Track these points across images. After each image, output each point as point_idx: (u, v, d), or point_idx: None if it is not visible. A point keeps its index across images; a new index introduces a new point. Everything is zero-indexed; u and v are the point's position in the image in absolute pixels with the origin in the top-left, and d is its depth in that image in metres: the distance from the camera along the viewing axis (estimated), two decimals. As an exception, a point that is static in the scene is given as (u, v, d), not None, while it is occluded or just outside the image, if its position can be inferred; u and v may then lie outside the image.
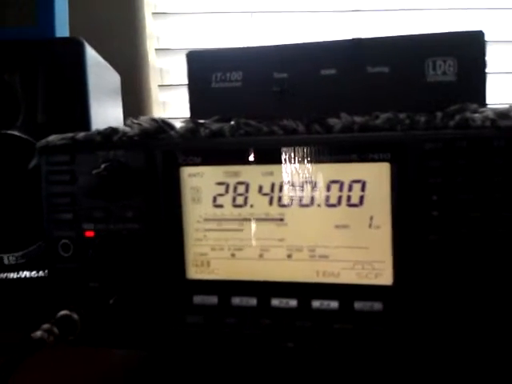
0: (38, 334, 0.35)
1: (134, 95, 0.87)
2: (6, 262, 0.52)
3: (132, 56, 0.88)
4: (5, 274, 0.52)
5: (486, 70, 0.37)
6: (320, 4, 0.92)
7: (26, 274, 0.52)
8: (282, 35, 0.92)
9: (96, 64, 0.58)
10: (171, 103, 0.95)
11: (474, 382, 0.36)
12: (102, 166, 0.36)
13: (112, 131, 0.38)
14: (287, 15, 0.93)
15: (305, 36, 0.92)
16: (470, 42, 0.37)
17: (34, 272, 0.52)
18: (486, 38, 0.37)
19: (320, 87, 0.38)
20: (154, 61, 0.92)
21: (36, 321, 0.36)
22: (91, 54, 0.56)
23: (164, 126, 0.38)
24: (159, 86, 0.94)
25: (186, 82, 0.41)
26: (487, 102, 0.37)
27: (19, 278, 0.52)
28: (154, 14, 0.93)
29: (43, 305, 0.47)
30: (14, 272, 0.52)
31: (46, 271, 0.50)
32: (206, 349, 0.37)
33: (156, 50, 0.93)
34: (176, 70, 0.94)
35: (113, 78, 0.72)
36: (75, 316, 0.37)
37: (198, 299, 0.37)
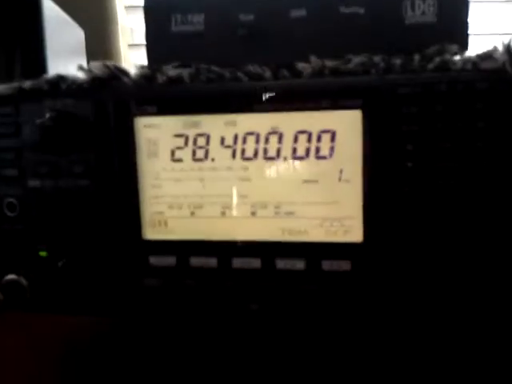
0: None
1: (102, 55, 0.82)
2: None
3: (99, 12, 0.83)
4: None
5: (468, 10, 0.34)
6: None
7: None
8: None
9: (55, 17, 0.54)
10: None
11: (442, 342, 0.35)
12: (47, 115, 0.32)
13: (60, 79, 0.35)
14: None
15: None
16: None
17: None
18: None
19: (289, 29, 0.35)
20: (122, 18, 0.87)
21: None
22: (49, 5, 0.52)
23: (117, 72, 0.34)
24: (129, 45, 0.89)
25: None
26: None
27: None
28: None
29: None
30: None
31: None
32: (164, 312, 0.34)
33: (125, 7, 0.88)
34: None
35: (76, 34, 0.67)
36: (23, 281, 0.35)
37: (154, 260, 0.34)
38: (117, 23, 0.84)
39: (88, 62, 0.70)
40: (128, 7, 0.89)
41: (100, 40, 0.81)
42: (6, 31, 0.48)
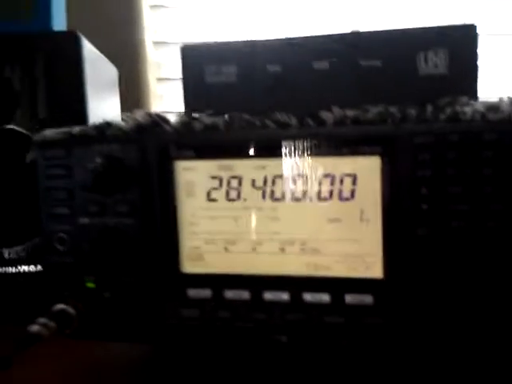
0: (35, 327, 0.35)
1: (132, 88, 0.87)
2: (6, 256, 0.52)
3: (130, 49, 0.88)
4: (4, 269, 0.52)
5: (478, 63, 0.37)
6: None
7: (24, 268, 0.53)
8: (277, 27, 0.92)
9: (93, 57, 0.58)
10: (169, 96, 0.96)
11: (463, 375, 0.37)
12: (98, 161, 0.36)
13: (107, 125, 0.38)
14: (281, 7, 0.93)
15: (299, 27, 0.92)
16: (462, 35, 0.37)
17: (32, 266, 0.53)
18: (479, 31, 0.37)
19: (313, 80, 0.39)
20: (151, 54, 0.92)
21: (33, 315, 0.36)
22: (88, 47, 0.56)
23: (158, 120, 0.38)
24: (157, 79, 0.94)
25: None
26: (479, 94, 0.37)
27: (18, 273, 0.53)
28: (151, 6, 0.93)
29: (40, 299, 0.48)
30: (13, 266, 0.53)
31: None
32: (200, 341, 0.37)
33: (154, 42, 0.93)
34: (173, 63, 0.94)
35: (110, 72, 0.72)
36: (71, 310, 0.38)
37: (192, 292, 0.37)
38: (146, 59, 0.89)
39: (120, 96, 0.75)
40: (156, 43, 0.94)
41: (131, 75, 0.86)
42: (49, 68, 0.53)
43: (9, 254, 0.53)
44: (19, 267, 0.53)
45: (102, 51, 0.63)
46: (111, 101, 0.72)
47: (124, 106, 0.78)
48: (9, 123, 0.52)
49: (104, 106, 0.65)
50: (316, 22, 0.92)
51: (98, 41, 0.60)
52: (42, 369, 0.41)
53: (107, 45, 0.67)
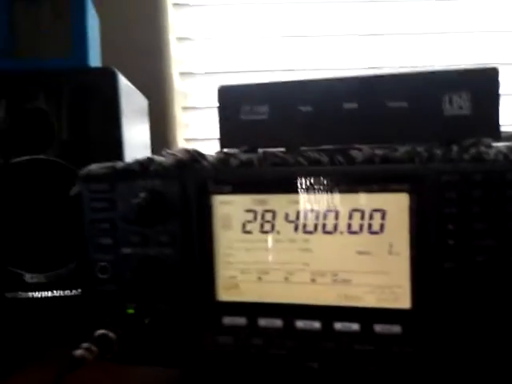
0: (79, 352, 0.37)
1: (160, 117, 0.90)
2: (43, 280, 0.55)
3: (157, 80, 0.92)
4: (40, 293, 0.55)
5: (500, 104, 0.39)
6: (342, 28, 0.96)
7: (56, 293, 0.55)
8: (304, 59, 0.96)
9: (127, 90, 0.62)
10: (194, 124, 0.99)
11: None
12: (141, 195, 0.39)
13: (149, 161, 0.41)
14: (309, 40, 0.96)
15: (325, 59, 0.95)
16: (485, 78, 0.40)
17: (66, 291, 0.55)
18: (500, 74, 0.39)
19: (342, 120, 0.41)
20: (178, 84, 0.96)
21: (75, 339, 0.38)
22: (123, 81, 0.59)
23: (197, 156, 0.41)
24: (183, 108, 0.98)
25: (216, 114, 0.44)
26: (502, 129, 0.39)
27: (48, 297, 0.55)
28: (178, 39, 0.97)
29: (77, 323, 0.50)
30: (45, 291, 0.55)
31: (78, 290, 0.54)
32: (234, 368, 0.39)
33: (180, 73, 0.97)
34: (198, 92, 0.98)
35: (141, 103, 0.76)
36: (112, 335, 0.40)
37: (227, 320, 0.39)
38: (173, 89, 0.92)
39: (150, 125, 0.78)
40: (182, 73, 0.97)
41: (158, 105, 0.89)
42: (89, 102, 0.56)
43: (38, 279, 0.55)
44: (49, 292, 0.55)
45: (132, 82, 0.66)
46: (142, 129, 0.75)
47: (153, 134, 0.81)
48: (46, 154, 0.55)
49: (136, 133, 0.68)
50: (343, 61, 0.95)
51: (128, 72, 0.64)
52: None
53: (137, 76, 0.70)
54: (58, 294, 0.55)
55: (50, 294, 0.55)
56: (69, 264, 0.55)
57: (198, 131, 0.97)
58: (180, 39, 0.98)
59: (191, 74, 0.99)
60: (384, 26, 0.96)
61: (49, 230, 0.55)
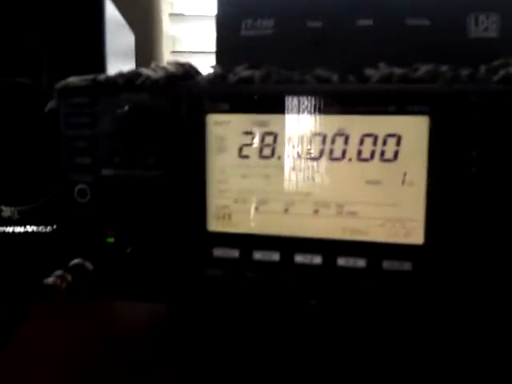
0: (50, 279, 0.34)
1: (147, 59, 0.85)
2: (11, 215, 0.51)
3: (146, 19, 0.86)
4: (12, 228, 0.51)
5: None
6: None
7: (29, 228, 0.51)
8: None
9: (114, 20, 0.56)
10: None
11: (502, 346, 0.35)
12: (126, 107, 0.34)
13: (136, 74, 0.36)
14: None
15: None
16: (515, 0, 0.36)
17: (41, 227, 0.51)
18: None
19: (356, 38, 0.37)
20: (167, 26, 0.90)
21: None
22: (111, 8, 0.54)
23: (191, 70, 0.36)
24: (171, 52, 0.92)
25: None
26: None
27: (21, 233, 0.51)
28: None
29: (56, 257, 0.46)
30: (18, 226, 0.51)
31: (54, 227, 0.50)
32: (225, 303, 0.36)
33: (170, 14, 0.91)
34: (189, 36, 0.92)
35: (129, 37, 0.70)
36: (89, 265, 0.36)
37: (218, 252, 0.35)
38: (162, 31, 0.87)
39: (136, 65, 0.72)
40: (172, 15, 0.92)
41: (147, 45, 0.84)
42: (69, 29, 0.50)
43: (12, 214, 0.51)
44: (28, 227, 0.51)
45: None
46: (128, 67, 0.69)
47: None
48: (23, 77, 0.50)
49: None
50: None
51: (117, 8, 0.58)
52: (55, 326, 0.39)
53: (125, 11, 0.64)
54: (31, 230, 0.51)
55: (22, 229, 0.51)
56: (43, 198, 0.50)
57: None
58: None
59: (180, 15, 0.93)
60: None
61: (28, 159, 0.50)
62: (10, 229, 0.51)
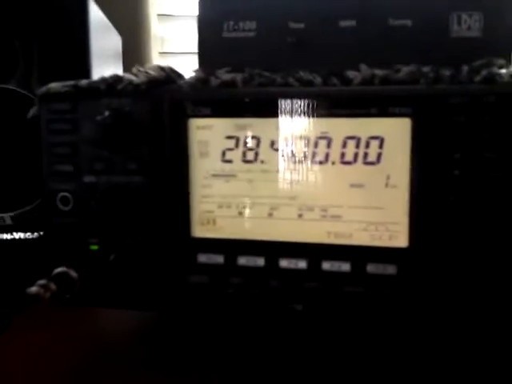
0: (34, 289, 0.33)
1: (136, 61, 0.84)
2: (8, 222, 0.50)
3: (134, 21, 0.85)
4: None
5: (514, 27, 0.35)
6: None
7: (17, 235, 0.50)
8: None
9: (99, 22, 0.55)
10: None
11: (487, 347, 0.35)
12: (107, 113, 0.34)
13: (117, 79, 0.36)
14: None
15: None
16: (498, -2, 0.35)
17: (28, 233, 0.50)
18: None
19: (338, 39, 0.36)
20: (155, 27, 0.89)
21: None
22: (95, 10, 0.53)
23: (172, 74, 0.36)
24: (159, 53, 0.91)
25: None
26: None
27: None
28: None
29: (41, 264, 0.46)
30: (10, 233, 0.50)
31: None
32: (210, 309, 0.35)
33: (158, 15, 0.90)
34: (177, 37, 0.91)
35: (115, 40, 0.69)
36: (73, 273, 0.36)
37: (202, 258, 0.35)
38: (150, 32, 0.86)
39: (124, 67, 0.72)
40: (160, 15, 0.91)
41: (134, 47, 0.83)
42: (53, 31, 0.50)
43: (3, 221, 0.50)
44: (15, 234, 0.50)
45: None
46: (115, 70, 0.69)
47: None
48: (8, 83, 0.49)
49: (107, 73, 0.62)
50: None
51: (102, 9, 0.58)
52: (42, 335, 0.39)
53: (112, 13, 0.64)
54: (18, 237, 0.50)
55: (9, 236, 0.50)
56: (29, 205, 0.49)
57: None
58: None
59: (169, 16, 0.92)
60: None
61: (13, 166, 0.50)
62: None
